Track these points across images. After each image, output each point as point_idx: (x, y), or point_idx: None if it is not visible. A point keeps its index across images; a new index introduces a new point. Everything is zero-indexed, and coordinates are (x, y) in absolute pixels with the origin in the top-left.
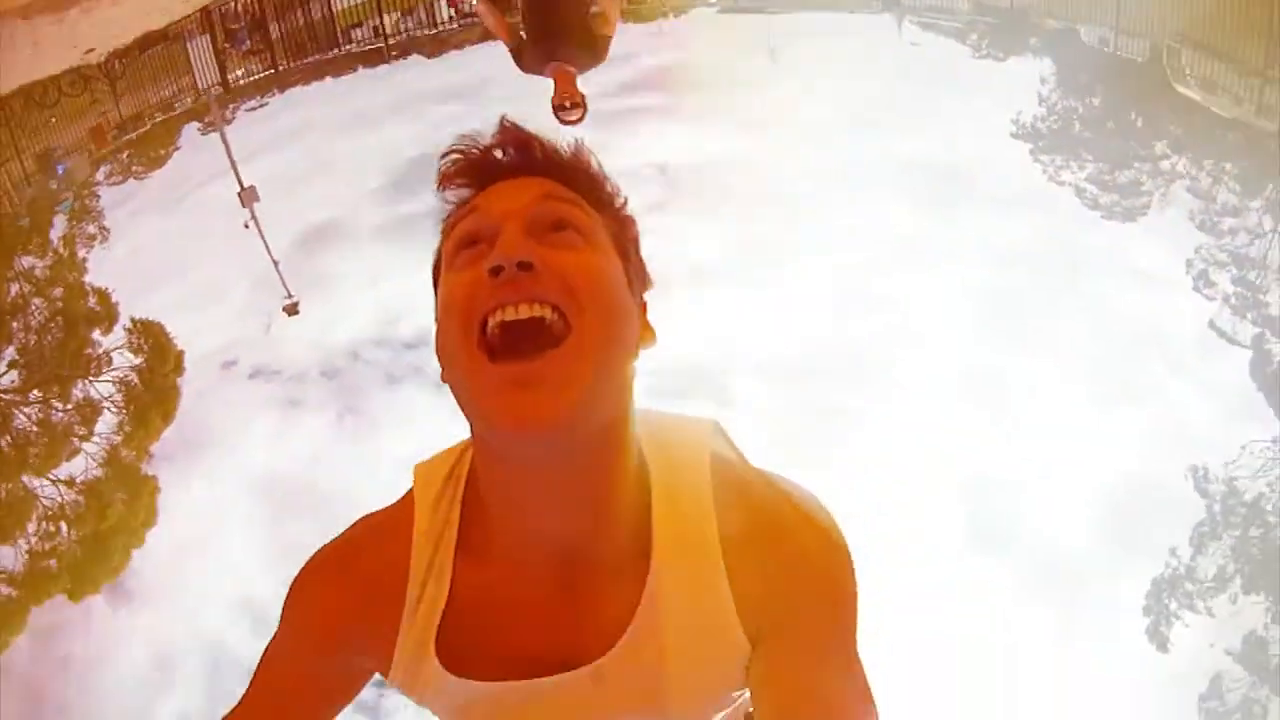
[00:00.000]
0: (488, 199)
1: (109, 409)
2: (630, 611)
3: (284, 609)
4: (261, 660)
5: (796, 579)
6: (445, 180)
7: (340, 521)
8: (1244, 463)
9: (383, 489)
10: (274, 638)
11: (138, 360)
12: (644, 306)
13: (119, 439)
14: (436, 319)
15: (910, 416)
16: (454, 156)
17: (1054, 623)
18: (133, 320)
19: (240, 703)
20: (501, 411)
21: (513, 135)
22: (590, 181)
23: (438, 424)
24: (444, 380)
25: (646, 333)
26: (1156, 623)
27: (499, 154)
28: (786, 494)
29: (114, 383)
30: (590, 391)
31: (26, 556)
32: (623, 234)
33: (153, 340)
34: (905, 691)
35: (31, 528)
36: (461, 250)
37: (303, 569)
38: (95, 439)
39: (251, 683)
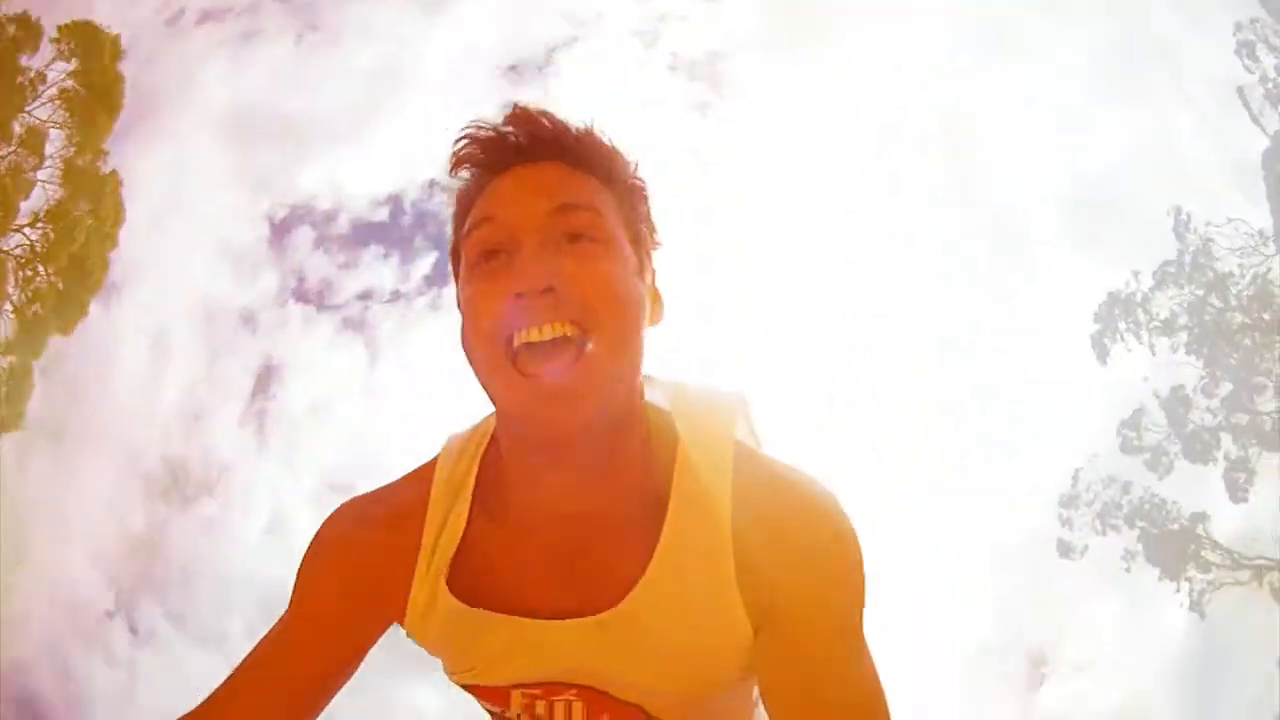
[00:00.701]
0: (504, 209)
1: (54, 127)
2: (639, 573)
3: (308, 552)
4: (286, 613)
5: (800, 569)
6: (459, 164)
7: (307, 141)
8: (1226, 232)
9: (348, 103)
10: (298, 580)
11: (72, 65)
12: (652, 274)
13: (71, 151)
14: (461, 317)
15: (902, 42)
16: (466, 140)
17: (1004, 296)
18: (58, 28)
19: (262, 642)
20: (529, 418)
21: (523, 118)
22: (601, 158)
23: (401, 31)
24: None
25: (656, 308)
26: (1102, 333)
27: (510, 137)
28: (800, 485)
29: (52, 101)
30: (608, 391)
31: (14, 316)
32: (634, 211)
33: (83, 40)
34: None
35: (10, 286)
36: (482, 261)
37: (327, 519)
38: (47, 163)
39: (275, 626)
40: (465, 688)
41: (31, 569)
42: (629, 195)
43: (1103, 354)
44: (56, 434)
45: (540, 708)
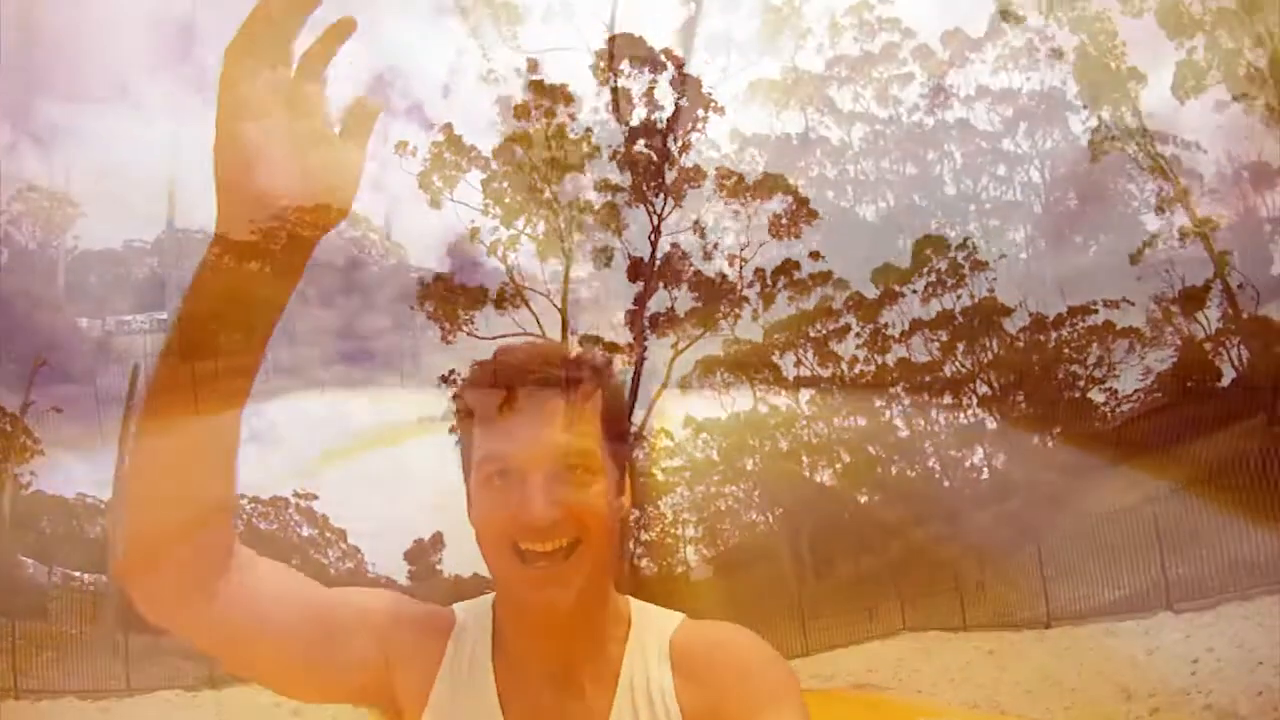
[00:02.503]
0: (513, 453)
1: None
2: None
3: (350, 591)
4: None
5: (739, 683)
6: (463, 412)
7: None
8: None
9: None
10: (334, 600)
11: None
12: (630, 464)
13: None
14: (470, 515)
15: None
16: (476, 382)
17: None
18: None
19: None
20: (530, 602)
21: (518, 372)
22: (592, 386)
23: None
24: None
25: (629, 497)
26: None
27: (508, 388)
28: (730, 628)
29: None
30: (592, 579)
31: None
32: (618, 416)
33: None
34: None
35: None
36: (493, 477)
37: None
38: None
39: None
40: None
41: None
42: (614, 403)
43: None
44: None
45: None
